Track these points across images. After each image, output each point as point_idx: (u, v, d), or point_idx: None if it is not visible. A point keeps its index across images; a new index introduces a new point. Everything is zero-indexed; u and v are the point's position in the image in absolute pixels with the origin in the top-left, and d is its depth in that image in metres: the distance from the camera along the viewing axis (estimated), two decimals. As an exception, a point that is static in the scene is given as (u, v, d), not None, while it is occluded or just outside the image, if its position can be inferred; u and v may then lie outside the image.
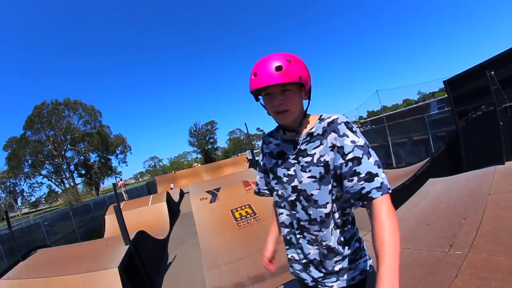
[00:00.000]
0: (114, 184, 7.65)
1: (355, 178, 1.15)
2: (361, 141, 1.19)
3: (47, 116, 44.16)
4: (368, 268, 1.39)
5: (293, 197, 1.37)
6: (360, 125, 25.40)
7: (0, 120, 76.07)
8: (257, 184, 1.70)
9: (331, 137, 1.24)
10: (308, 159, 1.30)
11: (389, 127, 14.33)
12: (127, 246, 5.59)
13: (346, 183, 1.19)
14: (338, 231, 1.33)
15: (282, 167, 1.41)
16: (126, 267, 5.07)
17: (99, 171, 53.32)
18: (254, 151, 24.20)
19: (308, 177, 1.29)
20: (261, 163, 1.63)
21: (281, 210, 1.48)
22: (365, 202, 1.16)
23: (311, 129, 1.33)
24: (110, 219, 11.14)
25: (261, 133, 78.58)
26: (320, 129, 1.30)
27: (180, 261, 7.57)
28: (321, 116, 1.35)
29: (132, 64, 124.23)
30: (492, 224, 3.13)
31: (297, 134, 1.37)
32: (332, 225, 1.31)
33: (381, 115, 16.48)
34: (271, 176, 1.50)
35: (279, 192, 1.46)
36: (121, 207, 6.70)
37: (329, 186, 1.27)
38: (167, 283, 6.37)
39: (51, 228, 13.10)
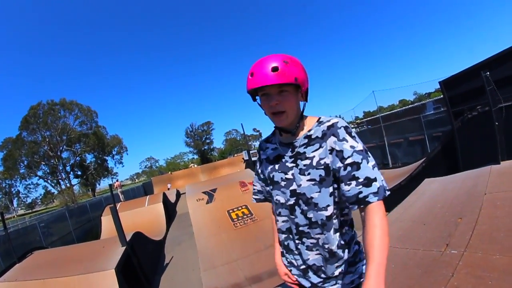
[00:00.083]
0: (110, 185, 7.60)
1: (353, 183, 1.17)
2: (359, 146, 1.20)
3: (43, 116, 43.87)
4: None
5: (291, 201, 1.36)
6: (356, 126, 25.45)
7: (-5, 121, 75.50)
8: (261, 193, 1.65)
9: (331, 141, 1.24)
10: (307, 162, 1.29)
11: (385, 128, 14.35)
12: (124, 247, 5.58)
13: (344, 187, 1.20)
14: (338, 234, 1.32)
15: (280, 171, 1.40)
16: (123, 269, 5.05)
17: (95, 172, 53.04)
18: (251, 152, 24.19)
19: (308, 180, 1.29)
20: (259, 170, 1.61)
21: (277, 217, 1.48)
22: (361, 206, 1.17)
23: (309, 132, 1.34)
24: (107, 220, 11.09)
25: (258, 133, 78.51)
26: (319, 132, 1.30)
27: (177, 262, 7.55)
28: (319, 118, 1.36)
29: (128, 64, 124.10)
30: (488, 224, 3.15)
31: (294, 136, 1.36)
32: (333, 228, 1.30)
33: (377, 116, 16.50)
34: (268, 182, 1.48)
35: (276, 198, 1.44)
36: (117, 208, 6.68)
37: (330, 189, 1.27)
38: (164, 284, 6.35)
39: (47, 230, 13.03)
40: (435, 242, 3.29)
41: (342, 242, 1.32)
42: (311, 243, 1.35)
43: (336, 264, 1.33)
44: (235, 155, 49.54)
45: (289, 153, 1.37)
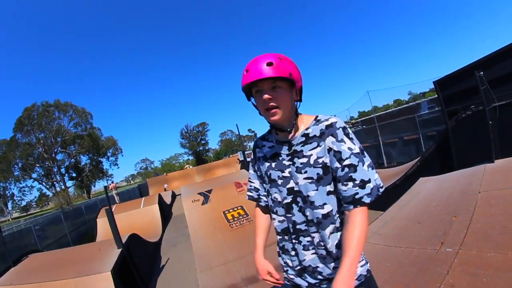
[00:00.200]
0: (105, 187, 7.59)
1: (350, 184, 1.22)
2: (356, 148, 1.24)
3: (37, 118, 43.47)
4: (365, 273, 1.36)
5: (288, 199, 1.36)
6: (351, 126, 25.51)
7: (-11, 123, 74.88)
8: (257, 190, 1.62)
9: (329, 141, 1.26)
10: (304, 160, 1.30)
11: (380, 127, 14.42)
12: (120, 250, 5.54)
13: (341, 186, 1.25)
14: (335, 233, 1.32)
15: (276, 169, 1.40)
16: (119, 271, 5.02)
17: (90, 173, 52.66)
18: (246, 152, 24.21)
19: (304, 178, 1.30)
20: (255, 167, 1.60)
21: (273, 216, 1.48)
22: (358, 206, 1.22)
23: (306, 130, 1.34)
24: (102, 223, 11.02)
25: (253, 134, 78.67)
26: (317, 130, 1.31)
27: (173, 264, 7.53)
28: (317, 117, 1.37)
29: (123, 66, 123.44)
30: (483, 222, 3.18)
31: (291, 134, 1.37)
32: (329, 226, 1.30)
33: (372, 116, 16.56)
34: (266, 179, 1.48)
35: (273, 196, 1.44)
36: (113, 210, 6.65)
37: (328, 187, 1.28)
38: (160, 286, 6.32)
39: (42, 233, 12.90)
40: (430, 241, 3.31)
41: (338, 242, 1.32)
42: (307, 241, 1.35)
43: (333, 265, 1.33)
44: (231, 156, 49.51)
45: (286, 151, 1.38)
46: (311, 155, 1.29)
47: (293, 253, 1.42)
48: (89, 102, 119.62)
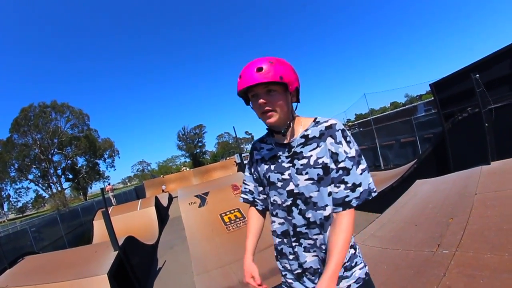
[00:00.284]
0: (102, 189, 7.52)
1: (342, 186, 1.25)
2: (352, 151, 1.26)
3: (34, 119, 43.28)
4: (364, 276, 1.35)
5: (289, 202, 1.35)
6: (348, 128, 25.57)
7: (-15, 124, 74.38)
8: (251, 193, 1.61)
9: (328, 142, 1.28)
10: (304, 161, 1.30)
11: (376, 130, 14.44)
12: (116, 252, 5.52)
13: (332, 188, 1.27)
14: None
15: (276, 171, 1.39)
16: (115, 273, 5.00)
17: (87, 175, 52.42)
18: (243, 155, 24.18)
19: (305, 180, 1.29)
20: (251, 170, 1.59)
21: (273, 218, 1.47)
22: (346, 209, 1.25)
23: (305, 131, 1.35)
24: (99, 225, 10.98)
25: (250, 136, 78.71)
26: (316, 131, 1.32)
27: (170, 266, 7.51)
28: (316, 119, 1.38)
29: (120, 67, 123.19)
30: (479, 223, 3.19)
31: (290, 136, 1.37)
32: (329, 228, 1.29)
33: (368, 118, 16.61)
34: (265, 182, 1.46)
35: (272, 199, 1.43)
36: (109, 212, 6.63)
37: (328, 188, 1.28)
38: (157, 289, 6.32)
39: (38, 234, 12.82)
40: (427, 243, 3.32)
41: None
42: (308, 244, 1.34)
43: None
44: (227, 158, 49.47)
45: (286, 153, 1.38)
46: (311, 156, 1.29)
47: (291, 257, 1.41)
48: (86, 104, 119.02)
